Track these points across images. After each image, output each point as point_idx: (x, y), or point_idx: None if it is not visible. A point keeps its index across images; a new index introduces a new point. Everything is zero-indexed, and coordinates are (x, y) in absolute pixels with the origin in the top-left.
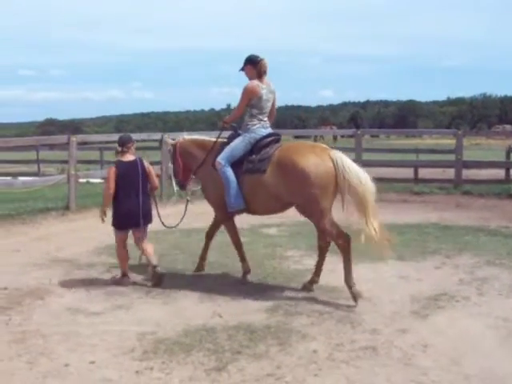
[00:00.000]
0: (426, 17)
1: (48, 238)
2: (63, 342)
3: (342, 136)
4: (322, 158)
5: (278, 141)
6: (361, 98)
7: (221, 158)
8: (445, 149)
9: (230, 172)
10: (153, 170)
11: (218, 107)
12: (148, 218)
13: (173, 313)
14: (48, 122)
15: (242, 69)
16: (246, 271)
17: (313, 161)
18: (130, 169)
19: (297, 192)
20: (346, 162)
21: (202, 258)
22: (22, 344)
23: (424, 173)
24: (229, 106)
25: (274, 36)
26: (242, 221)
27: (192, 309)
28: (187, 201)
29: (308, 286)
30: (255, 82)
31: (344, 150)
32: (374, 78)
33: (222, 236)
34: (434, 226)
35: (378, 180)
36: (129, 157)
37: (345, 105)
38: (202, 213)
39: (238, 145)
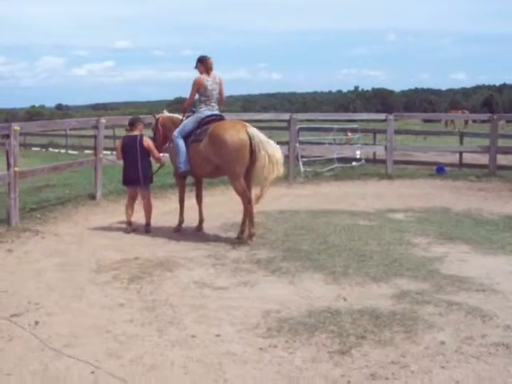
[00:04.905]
0: None
1: (177, 212)
2: (190, 313)
3: (474, 121)
4: (239, 131)
5: (220, 120)
6: (496, 81)
7: (175, 131)
8: None
9: (181, 142)
10: (152, 145)
11: (345, 89)
12: (147, 180)
13: (297, 293)
14: (177, 101)
15: (196, 66)
16: (181, 221)
17: (230, 133)
18: (131, 142)
19: (219, 155)
20: (259, 135)
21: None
22: (153, 312)
23: None
24: (357, 88)
25: (401, 16)
26: (368, 205)
27: (317, 290)
28: (163, 164)
29: (240, 236)
30: (201, 76)
31: (477, 135)
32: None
33: (349, 219)
34: None
35: None
36: (134, 133)
37: (478, 88)
38: (327, 193)
39: (189, 122)
